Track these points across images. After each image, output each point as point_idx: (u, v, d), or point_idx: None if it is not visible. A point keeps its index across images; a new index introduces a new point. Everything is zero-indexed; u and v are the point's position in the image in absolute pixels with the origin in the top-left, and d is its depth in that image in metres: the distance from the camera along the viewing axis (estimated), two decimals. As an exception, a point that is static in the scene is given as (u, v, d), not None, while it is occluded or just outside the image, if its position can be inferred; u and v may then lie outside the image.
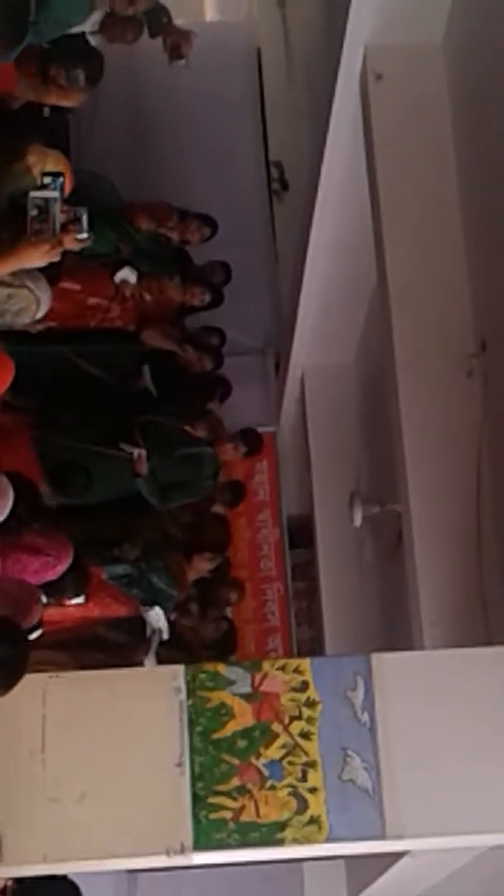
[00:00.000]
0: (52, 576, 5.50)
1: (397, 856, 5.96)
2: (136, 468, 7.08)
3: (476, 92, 5.69)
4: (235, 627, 7.95)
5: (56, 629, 6.26)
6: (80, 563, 5.81)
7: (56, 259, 5.14)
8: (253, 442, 7.87)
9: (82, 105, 5.84)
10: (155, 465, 7.14)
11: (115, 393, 7.65)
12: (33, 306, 5.45)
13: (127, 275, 7.55)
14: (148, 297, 7.71)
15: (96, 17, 6.26)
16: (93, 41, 6.15)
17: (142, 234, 7.68)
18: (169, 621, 7.04)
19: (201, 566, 7.42)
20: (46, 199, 4.99)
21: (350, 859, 7.87)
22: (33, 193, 5.00)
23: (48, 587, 5.60)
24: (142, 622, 6.95)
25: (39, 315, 5.57)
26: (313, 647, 9.00)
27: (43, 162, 5.16)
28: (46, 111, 5.74)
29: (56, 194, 5.02)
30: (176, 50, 6.93)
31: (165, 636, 6.96)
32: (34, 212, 4.97)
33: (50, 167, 5.14)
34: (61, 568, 5.53)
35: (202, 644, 7.59)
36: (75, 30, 6.07)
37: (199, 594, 7.57)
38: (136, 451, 7.06)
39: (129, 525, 7.18)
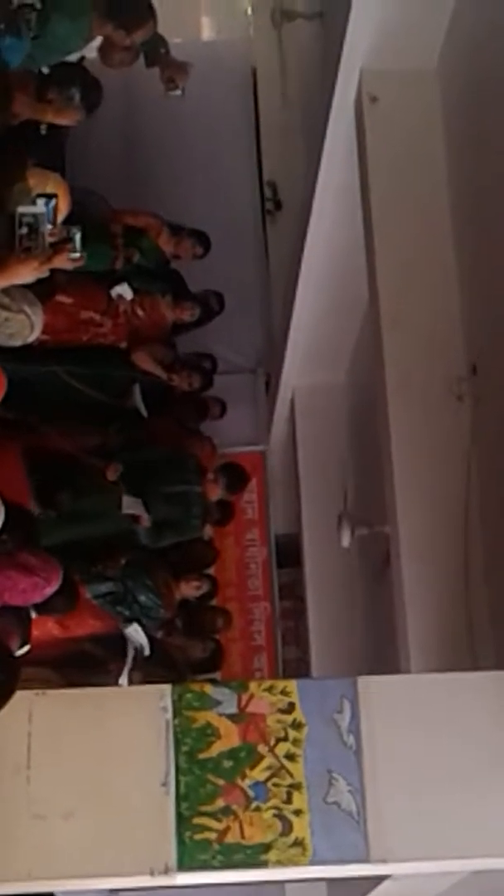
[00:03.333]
0: (38, 598, 5.51)
1: (379, 879, 5.94)
2: (140, 522, 7.12)
3: (470, 116, 5.72)
4: (222, 648, 7.93)
5: (43, 645, 6.25)
6: (68, 583, 5.82)
7: (45, 275, 5.17)
8: (233, 480, 7.79)
9: (78, 123, 5.88)
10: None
11: (104, 411, 7.65)
12: (26, 331, 5.50)
13: (123, 290, 7.56)
14: (141, 313, 7.71)
15: (94, 44, 6.32)
16: (90, 66, 6.20)
17: (143, 242, 7.69)
18: (154, 639, 7.02)
19: (187, 591, 7.40)
20: (35, 216, 5.03)
21: (332, 882, 7.84)
22: (21, 209, 5.04)
23: (35, 606, 5.61)
24: (123, 639, 6.94)
25: (31, 339, 5.62)
26: (299, 667, 8.98)
27: (44, 184, 5.22)
28: (43, 129, 5.78)
29: (44, 210, 5.06)
30: (172, 81, 6.98)
31: (146, 653, 6.94)
32: (24, 229, 5.01)
33: (50, 189, 5.18)
34: (49, 590, 5.54)
35: (188, 663, 7.58)
36: (73, 56, 6.13)
37: (186, 617, 7.56)
38: (142, 517, 7.09)
39: (113, 542, 7.16)
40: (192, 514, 7.39)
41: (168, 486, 7.30)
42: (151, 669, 6.84)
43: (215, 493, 7.54)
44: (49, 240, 5.07)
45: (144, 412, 7.65)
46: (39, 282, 5.28)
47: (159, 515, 7.19)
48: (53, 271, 5.43)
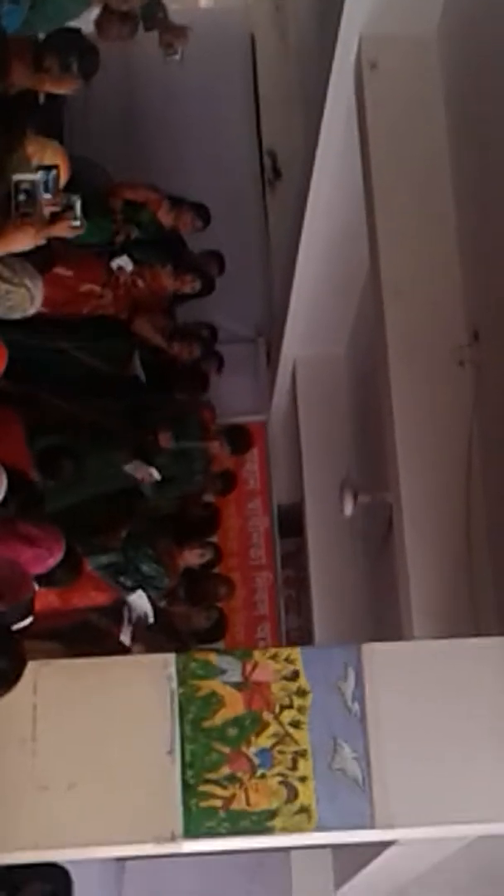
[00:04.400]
0: (41, 569, 5.51)
1: (384, 845, 5.98)
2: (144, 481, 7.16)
3: (470, 81, 5.69)
4: (226, 617, 7.95)
5: (46, 617, 6.25)
6: (71, 555, 5.82)
7: (42, 243, 5.16)
8: (238, 442, 7.84)
9: (76, 93, 5.85)
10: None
11: (105, 380, 7.64)
12: (27, 304, 5.49)
13: (124, 262, 7.55)
14: (141, 284, 7.69)
15: (93, 12, 6.29)
16: (89, 35, 6.16)
17: (143, 215, 7.67)
18: (158, 607, 7.04)
19: (191, 559, 7.42)
20: (33, 183, 5.01)
21: (337, 848, 7.89)
22: (18, 177, 5.02)
23: (38, 578, 5.61)
24: (126, 608, 6.95)
25: (30, 313, 5.61)
26: (302, 636, 9.01)
27: (42, 152, 5.19)
28: (41, 98, 5.75)
29: (41, 177, 5.05)
30: (170, 45, 6.94)
31: (150, 620, 6.96)
32: (22, 196, 4.99)
33: (48, 158, 5.16)
34: (52, 562, 5.54)
35: (191, 632, 7.60)
36: (72, 24, 6.09)
37: (188, 586, 7.57)
38: (147, 473, 7.11)
39: (115, 512, 7.18)
40: (195, 469, 7.47)
41: (173, 443, 7.33)
42: (155, 641, 6.85)
43: (220, 455, 7.59)
44: (49, 209, 5.06)
45: (143, 378, 7.65)
46: (38, 253, 5.27)
47: (163, 472, 7.24)
48: (52, 242, 5.42)
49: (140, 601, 6.91)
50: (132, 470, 7.07)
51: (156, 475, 7.18)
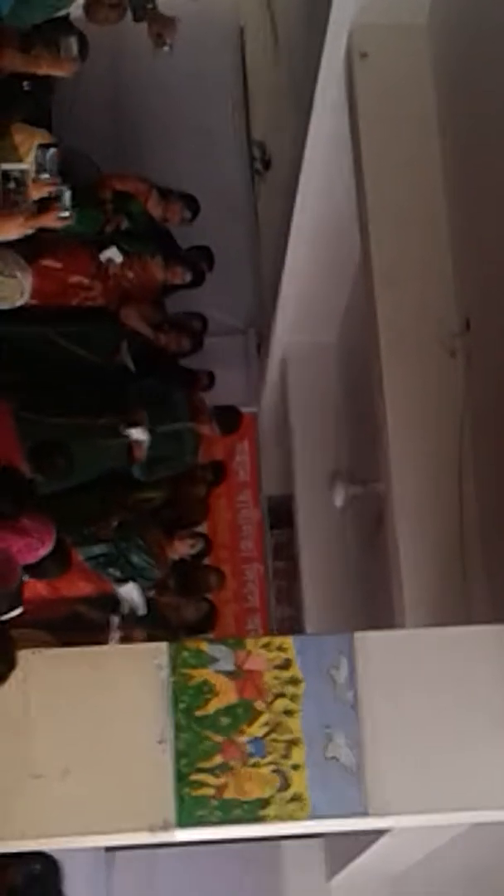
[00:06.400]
0: (32, 559, 5.52)
1: (377, 834, 5.98)
2: (135, 454, 7.14)
3: (460, 70, 5.69)
4: (216, 609, 7.94)
5: (35, 607, 6.25)
6: (61, 546, 5.82)
7: (30, 231, 5.15)
8: (227, 421, 7.85)
9: (73, 76, 5.83)
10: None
11: (95, 370, 7.63)
12: (17, 295, 5.50)
13: (113, 254, 7.53)
14: (131, 275, 7.68)
15: (80, 1, 6.28)
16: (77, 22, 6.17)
17: (132, 206, 7.66)
18: (148, 599, 7.03)
19: (181, 549, 7.42)
20: (22, 172, 5.01)
21: (329, 838, 7.90)
22: (5, 166, 5.01)
23: (27, 568, 5.61)
24: (117, 601, 6.95)
25: (19, 304, 5.61)
26: (293, 628, 9.00)
27: (30, 141, 5.20)
28: (27, 85, 5.74)
29: (37, 156, 5.03)
30: (160, 37, 6.93)
31: (141, 612, 6.96)
32: (11, 184, 4.98)
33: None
34: (43, 552, 5.55)
35: (182, 624, 7.59)
36: (62, 13, 6.08)
37: (179, 576, 7.57)
38: (136, 433, 7.10)
39: (106, 503, 7.17)
40: (185, 450, 7.48)
41: (161, 425, 7.33)
42: (145, 629, 6.85)
43: (206, 429, 7.61)
44: (48, 189, 5.04)
45: (132, 367, 7.63)
46: (27, 243, 5.26)
47: (153, 453, 7.24)
48: (40, 233, 5.42)
49: (131, 593, 6.91)
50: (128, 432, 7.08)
51: (143, 436, 7.15)
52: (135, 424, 7.22)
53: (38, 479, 6.60)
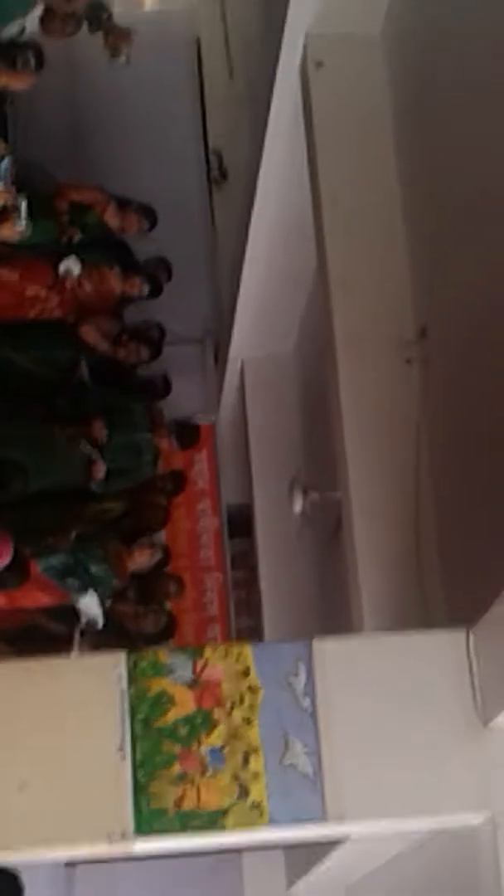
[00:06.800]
0: (-11, 571, 5.48)
1: (335, 842, 5.97)
2: (94, 474, 7.14)
3: (415, 80, 5.71)
4: (175, 620, 7.93)
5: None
6: (18, 558, 5.79)
7: None
8: (185, 437, 7.87)
9: (29, 88, 5.83)
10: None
11: (52, 385, 7.62)
12: None
13: (71, 265, 7.51)
14: (88, 287, 7.67)
15: (37, 11, 6.27)
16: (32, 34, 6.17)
17: (89, 217, 7.65)
18: (106, 609, 7.01)
19: (141, 559, 7.40)
20: None
21: (289, 849, 7.88)
22: None
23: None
24: (76, 612, 6.92)
25: None
26: (252, 637, 8.98)
27: None
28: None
29: None
30: (116, 48, 6.94)
31: (100, 624, 6.93)
32: None
33: None
34: (1, 564, 5.51)
35: (141, 635, 7.57)
36: (17, 24, 6.08)
37: (138, 586, 7.55)
38: (95, 455, 7.10)
39: (64, 514, 7.15)
40: (144, 461, 7.48)
41: (119, 436, 7.33)
42: (104, 641, 6.82)
43: (164, 443, 7.62)
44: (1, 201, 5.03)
45: (90, 383, 7.62)
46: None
47: (112, 465, 7.23)
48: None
49: (90, 606, 6.88)
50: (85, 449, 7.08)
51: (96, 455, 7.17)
52: (94, 440, 7.21)
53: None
